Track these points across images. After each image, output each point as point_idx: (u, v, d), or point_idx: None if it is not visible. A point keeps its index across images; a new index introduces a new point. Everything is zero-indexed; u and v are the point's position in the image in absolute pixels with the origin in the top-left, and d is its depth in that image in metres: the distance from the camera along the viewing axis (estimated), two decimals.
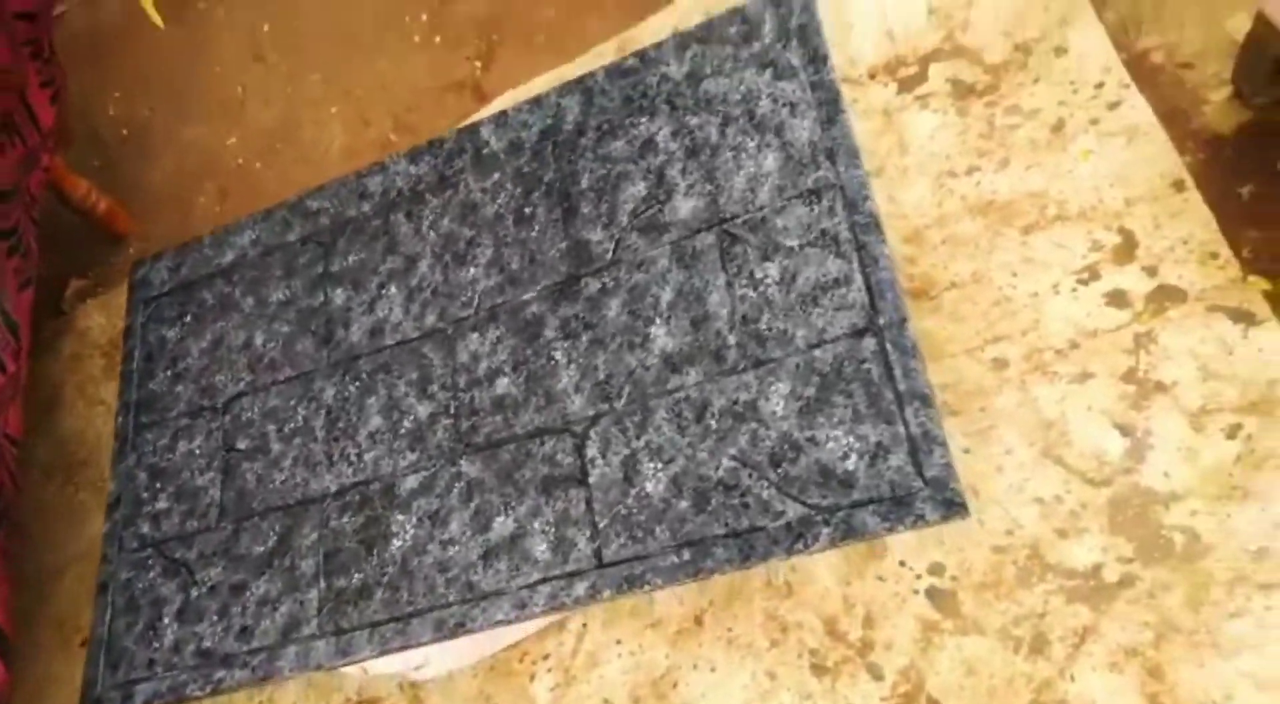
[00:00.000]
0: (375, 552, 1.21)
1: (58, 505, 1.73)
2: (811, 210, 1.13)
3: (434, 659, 1.25)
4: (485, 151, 1.37)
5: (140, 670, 1.28)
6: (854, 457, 1.00)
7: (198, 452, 1.40)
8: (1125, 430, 1.13)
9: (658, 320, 1.17)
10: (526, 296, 1.26)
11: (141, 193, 2.06)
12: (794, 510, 1.01)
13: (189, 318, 1.50)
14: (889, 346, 1.03)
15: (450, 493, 1.20)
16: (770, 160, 1.18)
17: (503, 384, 1.23)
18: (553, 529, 1.12)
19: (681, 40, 1.29)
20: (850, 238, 1.10)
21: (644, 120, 1.28)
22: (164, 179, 2.05)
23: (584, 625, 1.26)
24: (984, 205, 1.30)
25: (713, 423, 1.09)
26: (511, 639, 1.25)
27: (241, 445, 1.37)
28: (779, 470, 1.03)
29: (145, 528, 1.38)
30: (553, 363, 1.21)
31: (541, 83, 1.67)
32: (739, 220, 1.17)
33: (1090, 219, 1.24)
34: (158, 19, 2.13)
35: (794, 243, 1.13)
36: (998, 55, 1.38)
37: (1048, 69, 1.34)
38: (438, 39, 1.85)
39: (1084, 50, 1.33)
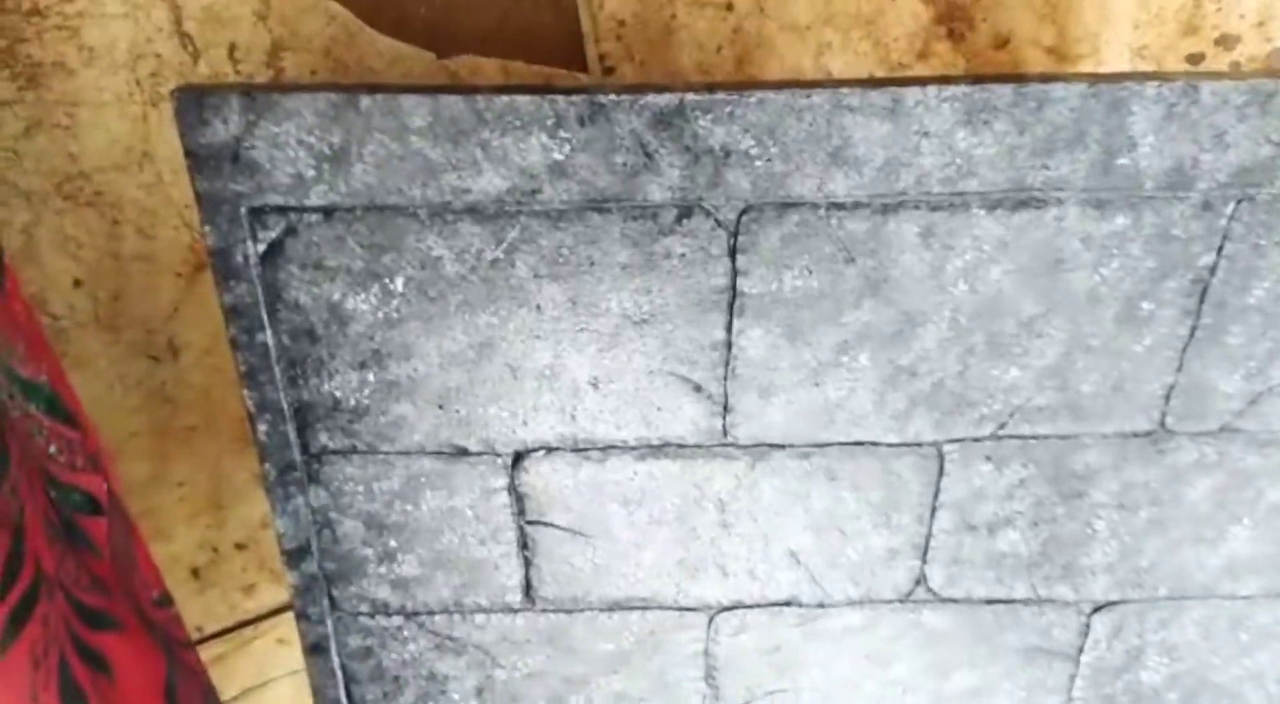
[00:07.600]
0: (783, 674, 0.98)
1: None
2: None
3: None
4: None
5: None
6: None
7: (469, 513, 0.87)
8: None
9: (1246, 520, 0.90)
10: (1084, 436, 0.85)
11: None
12: None
13: (344, 277, 0.75)
14: None
15: (900, 639, 0.96)
16: None
17: (1008, 539, 0.90)
18: (1023, 694, 1.00)
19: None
20: None
21: None
22: None
23: None
24: None
25: (1243, 636, 0.97)
26: None
27: (559, 522, 0.88)
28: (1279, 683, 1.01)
29: (382, 593, 0.91)
30: (1088, 533, 0.90)
31: None
32: None
33: None
34: None
35: None
36: None
37: None
38: None
39: None
